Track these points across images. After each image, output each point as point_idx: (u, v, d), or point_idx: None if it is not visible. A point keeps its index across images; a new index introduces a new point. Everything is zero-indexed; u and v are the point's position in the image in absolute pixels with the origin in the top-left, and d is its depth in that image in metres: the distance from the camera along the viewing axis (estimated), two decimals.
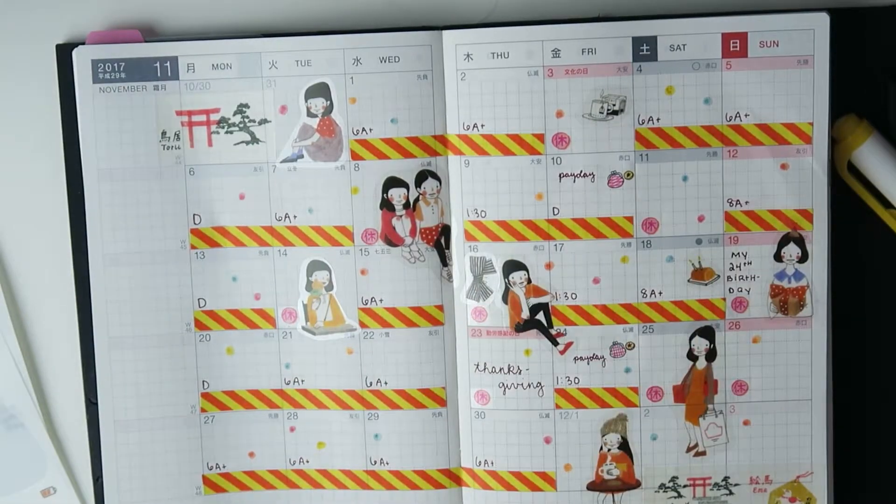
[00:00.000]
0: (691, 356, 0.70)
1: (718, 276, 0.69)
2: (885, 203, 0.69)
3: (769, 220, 0.68)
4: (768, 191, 0.68)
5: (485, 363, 0.70)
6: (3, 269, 0.73)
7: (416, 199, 0.70)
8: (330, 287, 0.71)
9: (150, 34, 0.70)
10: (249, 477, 0.72)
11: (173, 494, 0.72)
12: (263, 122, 0.70)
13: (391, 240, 0.70)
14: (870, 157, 0.68)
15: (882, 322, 0.70)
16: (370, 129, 0.69)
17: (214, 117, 0.70)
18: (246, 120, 0.70)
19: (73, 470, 0.74)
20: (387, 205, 0.70)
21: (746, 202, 0.68)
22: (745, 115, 0.68)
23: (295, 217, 0.70)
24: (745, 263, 0.69)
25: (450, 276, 0.70)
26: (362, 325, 0.71)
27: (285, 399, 0.72)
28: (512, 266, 0.69)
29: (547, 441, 0.70)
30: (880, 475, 0.72)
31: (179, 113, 0.70)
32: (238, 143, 0.70)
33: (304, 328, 0.71)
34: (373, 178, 0.69)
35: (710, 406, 0.70)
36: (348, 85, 0.69)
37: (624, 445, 0.70)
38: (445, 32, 0.68)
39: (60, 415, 0.73)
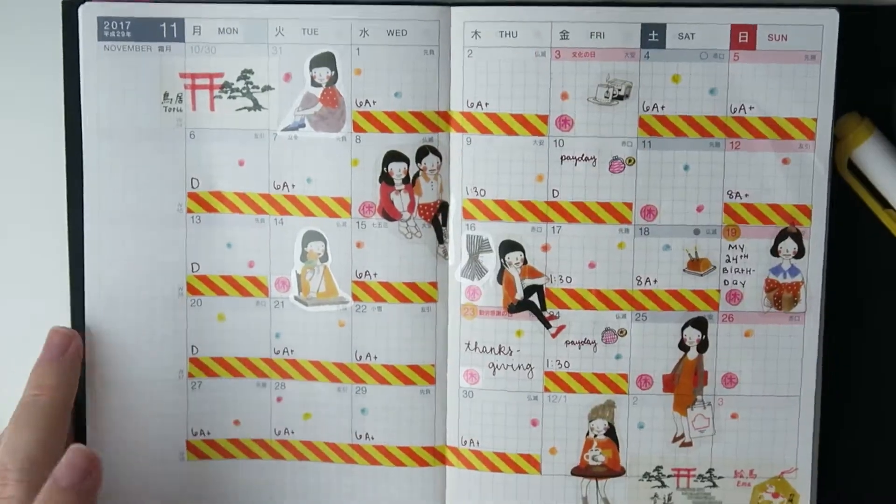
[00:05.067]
0: (683, 346, 0.66)
1: (714, 267, 0.66)
2: (884, 203, 0.66)
3: (768, 214, 0.65)
4: (768, 184, 0.65)
5: (476, 342, 0.66)
6: None
7: (416, 175, 0.66)
8: (324, 258, 0.67)
9: None
10: (234, 445, 0.69)
11: (157, 459, 0.68)
12: (267, 88, 0.66)
13: (388, 214, 0.66)
14: (870, 156, 0.65)
15: (875, 322, 0.67)
16: (373, 102, 0.65)
17: (218, 81, 0.66)
18: (249, 86, 0.66)
19: None
20: (386, 178, 0.66)
21: (746, 195, 0.65)
22: (750, 108, 0.64)
23: (293, 186, 0.66)
24: (741, 256, 0.65)
25: (445, 254, 0.67)
26: (355, 298, 0.67)
27: (274, 368, 0.68)
28: (508, 246, 0.66)
29: (534, 423, 0.67)
30: (865, 474, 0.69)
31: (183, 75, 0.66)
32: (240, 109, 0.66)
33: (296, 298, 0.67)
34: (373, 150, 0.66)
35: (698, 397, 0.67)
36: (354, 56, 0.65)
37: (610, 432, 0.67)
38: (454, 9, 0.65)
39: None
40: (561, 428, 0.67)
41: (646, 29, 0.64)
